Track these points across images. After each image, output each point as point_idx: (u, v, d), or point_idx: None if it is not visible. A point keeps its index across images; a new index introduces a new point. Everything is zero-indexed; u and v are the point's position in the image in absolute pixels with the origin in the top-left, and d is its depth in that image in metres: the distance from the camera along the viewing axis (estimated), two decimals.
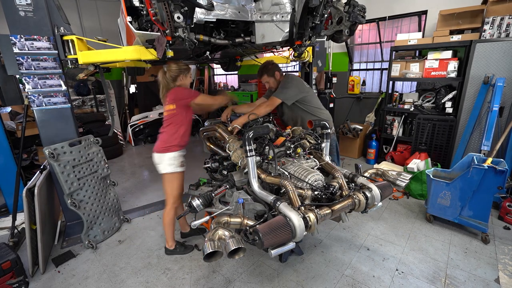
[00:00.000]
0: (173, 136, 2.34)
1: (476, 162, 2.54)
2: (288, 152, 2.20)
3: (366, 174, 2.26)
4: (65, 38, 2.47)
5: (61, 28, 2.46)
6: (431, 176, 2.83)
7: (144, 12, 1.90)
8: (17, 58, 2.33)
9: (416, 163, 3.64)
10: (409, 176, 2.24)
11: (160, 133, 2.40)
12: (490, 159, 2.57)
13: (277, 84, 2.90)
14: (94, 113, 6.12)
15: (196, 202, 2.17)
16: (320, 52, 3.92)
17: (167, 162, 2.33)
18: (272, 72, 2.86)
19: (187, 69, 2.44)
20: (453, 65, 3.69)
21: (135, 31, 1.95)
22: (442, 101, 3.92)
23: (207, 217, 2.03)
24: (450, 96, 3.85)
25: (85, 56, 2.50)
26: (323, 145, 2.40)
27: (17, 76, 2.76)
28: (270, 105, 2.68)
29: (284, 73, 2.97)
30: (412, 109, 4.21)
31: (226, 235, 1.57)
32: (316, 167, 2.15)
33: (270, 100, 2.72)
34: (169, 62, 2.41)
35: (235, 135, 2.58)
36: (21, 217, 2.84)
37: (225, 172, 2.67)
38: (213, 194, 2.23)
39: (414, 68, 4.04)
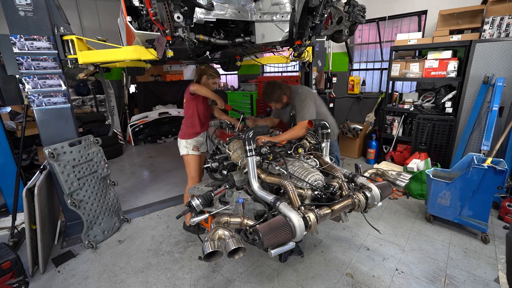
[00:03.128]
0: (185, 125, 2.80)
1: (476, 162, 2.54)
2: (289, 152, 2.20)
3: (366, 174, 2.26)
4: (65, 38, 2.47)
5: (61, 28, 2.46)
6: (431, 176, 2.83)
7: (144, 12, 1.90)
8: (17, 58, 2.33)
9: (416, 163, 3.64)
10: (409, 176, 2.24)
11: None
12: (490, 159, 2.57)
13: (287, 103, 2.74)
14: (94, 113, 6.12)
15: (196, 202, 2.17)
16: (320, 52, 3.92)
17: (182, 146, 2.82)
18: (280, 97, 2.65)
19: (212, 75, 2.80)
20: (453, 65, 3.69)
21: (135, 31, 1.95)
22: (442, 101, 3.92)
23: (206, 215, 2.03)
24: (450, 96, 3.85)
25: (85, 56, 2.50)
26: (323, 145, 2.40)
27: (17, 76, 2.76)
28: (302, 129, 2.39)
29: (289, 88, 2.75)
30: (412, 109, 4.21)
31: (226, 234, 1.56)
32: (316, 167, 2.15)
33: (298, 126, 2.44)
34: (209, 65, 2.76)
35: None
36: (21, 217, 2.84)
37: (225, 172, 2.67)
38: (212, 194, 2.24)
39: (414, 68, 4.04)
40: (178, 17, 1.80)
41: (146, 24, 1.99)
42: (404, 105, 4.29)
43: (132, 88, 7.44)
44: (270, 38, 2.44)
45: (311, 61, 3.80)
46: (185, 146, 2.81)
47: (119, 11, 3.21)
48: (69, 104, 2.64)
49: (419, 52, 4.31)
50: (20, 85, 3.03)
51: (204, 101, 2.82)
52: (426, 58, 3.92)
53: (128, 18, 1.91)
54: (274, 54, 3.70)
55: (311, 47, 3.67)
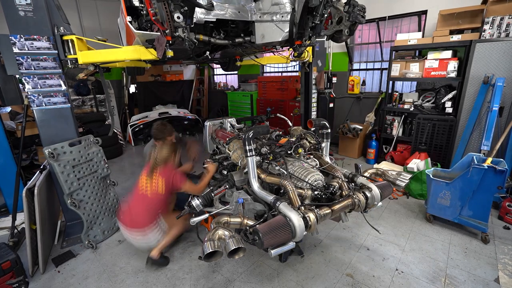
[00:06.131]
0: (155, 214, 2.24)
1: (476, 162, 2.54)
2: (289, 152, 2.20)
3: (366, 174, 2.26)
4: (65, 38, 2.47)
5: (61, 28, 2.46)
6: (431, 176, 2.83)
7: (144, 12, 1.90)
8: (17, 58, 2.33)
9: (416, 163, 3.64)
10: (409, 176, 2.24)
11: (133, 205, 2.24)
12: (490, 159, 2.57)
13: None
14: (94, 113, 6.12)
15: (196, 202, 2.18)
16: (320, 52, 3.92)
17: (153, 235, 2.23)
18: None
19: (177, 152, 2.45)
20: (453, 65, 3.69)
21: (135, 31, 1.95)
22: (442, 101, 3.92)
23: (206, 215, 2.03)
24: (450, 96, 3.85)
25: (85, 56, 2.50)
26: (323, 144, 2.40)
27: (17, 76, 2.76)
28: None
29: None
30: (412, 109, 4.21)
31: (226, 235, 1.57)
32: (316, 167, 2.15)
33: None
34: (160, 147, 2.37)
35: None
36: (21, 217, 2.84)
37: (225, 172, 2.67)
38: (212, 194, 2.24)
39: (414, 68, 4.04)
40: (178, 17, 1.81)
41: (146, 24, 1.99)
42: (404, 105, 4.29)
43: (132, 88, 7.44)
44: (270, 38, 2.44)
45: (311, 61, 3.80)
46: (158, 232, 2.25)
47: (119, 11, 3.22)
48: (69, 104, 2.64)
49: (419, 52, 4.31)
50: (20, 85, 3.03)
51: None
52: (426, 58, 3.92)
53: (128, 18, 1.91)
54: (274, 54, 3.71)
55: (311, 47, 3.67)
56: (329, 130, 2.39)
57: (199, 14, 2.08)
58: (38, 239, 2.30)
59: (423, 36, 4.17)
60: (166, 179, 2.27)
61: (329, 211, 1.76)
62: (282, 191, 2.07)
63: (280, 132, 2.66)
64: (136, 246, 2.32)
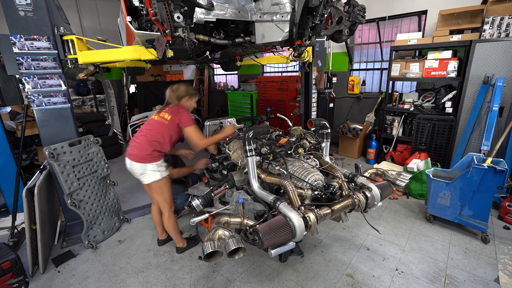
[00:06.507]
0: (153, 148, 2.23)
1: (476, 162, 2.54)
2: (289, 152, 2.20)
3: (366, 174, 2.27)
4: (65, 38, 2.47)
5: (61, 28, 2.46)
6: (431, 176, 2.83)
7: (144, 12, 1.90)
8: (17, 58, 2.33)
9: (416, 163, 3.64)
10: (409, 176, 2.24)
11: (138, 138, 2.28)
12: (490, 159, 2.57)
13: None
14: (94, 113, 6.12)
15: (196, 202, 2.18)
16: (320, 52, 3.92)
17: (149, 171, 2.24)
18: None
19: (193, 94, 2.47)
20: (453, 65, 3.69)
21: (135, 31, 1.95)
22: (442, 101, 3.92)
23: (206, 215, 2.04)
24: (450, 96, 3.85)
25: (85, 56, 2.50)
26: (323, 144, 2.40)
27: (17, 76, 2.76)
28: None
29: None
30: (412, 109, 4.22)
31: (226, 235, 1.57)
32: (316, 167, 2.15)
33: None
34: (179, 84, 2.43)
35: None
36: (21, 217, 2.85)
37: (225, 172, 2.67)
38: (212, 194, 2.24)
39: (414, 68, 4.04)
40: (178, 17, 1.81)
41: (146, 24, 2.00)
42: (404, 105, 4.29)
43: (132, 88, 7.45)
44: (270, 38, 2.44)
45: (311, 61, 3.80)
46: (155, 170, 2.25)
47: (119, 11, 3.22)
48: (69, 104, 2.64)
49: (419, 52, 4.31)
50: (20, 85, 3.03)
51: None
52: (426, 58, 3.92)
53: (128, 18, 1.91)
54: (274, 54, 3.71)
55: (311, 47, 3.68)
56: (329, 130, 2.39)
57: (199, 14, 2.08)
58: (38, 239, 2.30)
59: (423, 36, 4.17)
60: (174, 113, 2.30)
61: (329, 211, 1.76)
62: (282, 191, 2.07)
63: (280, 132, 2.66)
64: (135, 175, 2.33)
